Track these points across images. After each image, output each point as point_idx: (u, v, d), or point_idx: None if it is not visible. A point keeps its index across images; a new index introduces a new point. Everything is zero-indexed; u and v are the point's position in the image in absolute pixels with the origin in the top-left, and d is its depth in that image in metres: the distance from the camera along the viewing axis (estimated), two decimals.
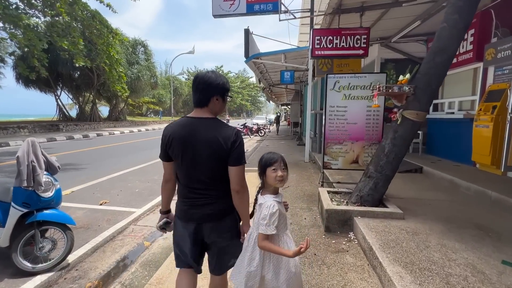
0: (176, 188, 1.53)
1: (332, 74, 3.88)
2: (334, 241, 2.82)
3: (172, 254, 1.65)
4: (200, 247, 1.48)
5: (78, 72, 19.89)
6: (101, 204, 4.19)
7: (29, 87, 19.89)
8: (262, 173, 1.41)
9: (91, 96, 21.87)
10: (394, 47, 6.74)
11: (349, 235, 2.92)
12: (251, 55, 7.45)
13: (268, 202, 1.34)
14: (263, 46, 8.55)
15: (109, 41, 16.61)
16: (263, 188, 1.45)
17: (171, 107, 37.00)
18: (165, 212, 1.62)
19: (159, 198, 4.55)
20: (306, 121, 9.84)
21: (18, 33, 11.37)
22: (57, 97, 20.94)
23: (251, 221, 1.50)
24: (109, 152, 9.49)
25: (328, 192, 3.60)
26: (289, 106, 33.64)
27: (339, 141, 3.94)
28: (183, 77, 52.09)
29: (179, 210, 1.47)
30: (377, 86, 2.83)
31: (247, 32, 7.27)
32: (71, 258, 2.54)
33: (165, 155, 1.43)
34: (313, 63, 7.06)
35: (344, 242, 2.79)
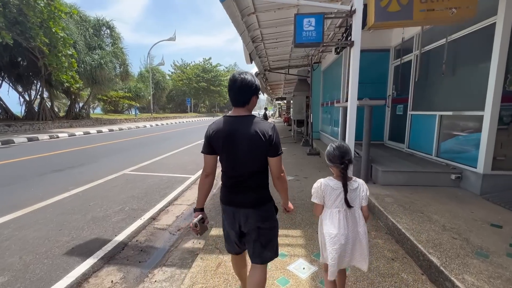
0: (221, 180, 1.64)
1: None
2: None
3: None
4: (238, 232, 1.61)
5: (21, 58, 15.58)
6: None
7: None
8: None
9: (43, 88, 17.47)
10: None
11: None
12: None
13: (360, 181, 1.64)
14: None
15: (51, 14, 12.42)
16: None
17: (151, 103, 32.61)
18: (201, 209, 1.65)
19: None
20: (339, 120, 6.14)
21: None
22: None
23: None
24: None
25: None
26: (285, 101, 29.80)
27: None
28: (169, 70, 47.27)
29: (222, 195, 1.63)
30: None
31: None
32: None
33: (209, 149, 1.55)
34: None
35: None
